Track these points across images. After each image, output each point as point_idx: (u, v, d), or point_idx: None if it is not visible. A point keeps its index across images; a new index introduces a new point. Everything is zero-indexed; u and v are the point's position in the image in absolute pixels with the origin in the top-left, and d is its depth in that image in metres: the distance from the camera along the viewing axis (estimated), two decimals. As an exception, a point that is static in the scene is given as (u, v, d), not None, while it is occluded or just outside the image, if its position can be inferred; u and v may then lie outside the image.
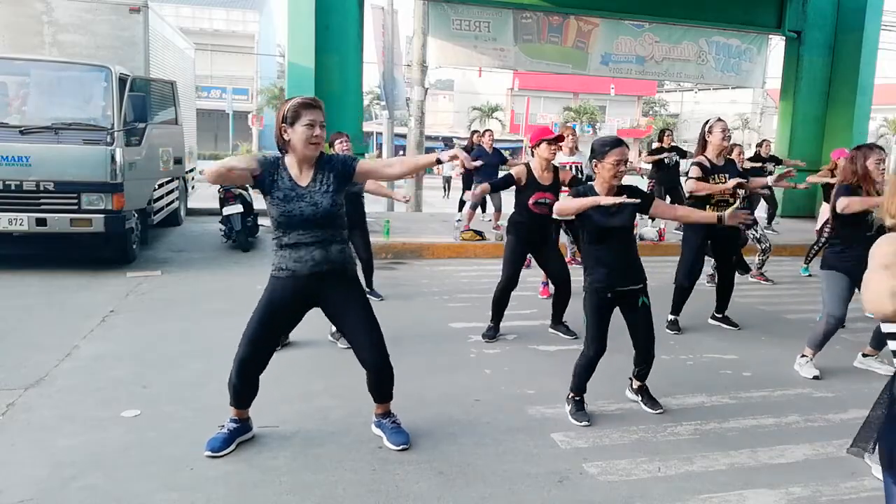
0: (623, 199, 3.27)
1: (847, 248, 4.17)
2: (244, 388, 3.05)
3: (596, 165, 3.43)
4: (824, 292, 4.33)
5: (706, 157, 5.12)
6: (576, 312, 5.32)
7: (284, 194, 2.86)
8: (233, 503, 2.64)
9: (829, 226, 7.26)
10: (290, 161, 2.92)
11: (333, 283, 2.98)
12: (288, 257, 2.92)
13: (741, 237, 6.63)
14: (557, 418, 3.52)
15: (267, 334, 3.01)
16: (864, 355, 4.60)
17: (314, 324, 3.98)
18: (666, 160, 9.63)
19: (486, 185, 4.97)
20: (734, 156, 7.40)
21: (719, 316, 5.53)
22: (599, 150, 3.40)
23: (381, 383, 3.13)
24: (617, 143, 3.40)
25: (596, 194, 3.41)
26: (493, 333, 4.90)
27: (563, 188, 5.52)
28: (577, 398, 3.55)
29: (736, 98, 37.66)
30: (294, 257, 2.91)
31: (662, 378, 4.11)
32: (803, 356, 4.43)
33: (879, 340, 4.49)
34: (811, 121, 12.76)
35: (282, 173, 2.89)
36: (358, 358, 3.08)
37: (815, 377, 4.29)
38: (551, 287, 5.31)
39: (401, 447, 3.08)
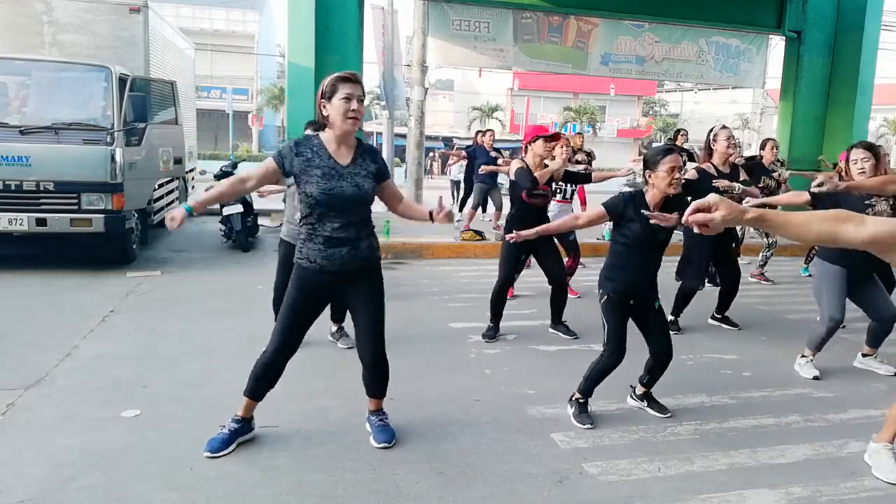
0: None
1: None
2: (269, 375, 3.04)
3: (650, 176, 3.34)
4: (821, 293, 4.27)
5: (712, 164, 5.14)
6: (576, 314, 5.36)
7: (324, 172, 2.82)
8: (233, 503, 2.64)
9: None
10: (327, 138, 2.89)
11: (358, 276, 3.01)
12: (318, 252, 2.91)
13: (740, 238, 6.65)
14: (557, 418, 3.52)
15: (299, 322, 3.02)
16: (864, 355, 4.59)
17: (314, 324, 3.96)
18: None
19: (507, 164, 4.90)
20: (767, 151, 7.26)
21: (719, 316, 5.53)
22: (651, 160, 3.32)
23: (373, 378, 3.16)
24: (669, 150, 3.31)
25: (645, 202, 3.34)
26: (493, 333, 4.91)
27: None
28: (583, 401, 3.54)
29: (736, 98, 37.61)
30: (325, 254, 2.91)
31: (662, 378, 4.10)
32: (803, 356, 4.42)
33: (875, 337, 4.47)
34: (811, 121, 12.74)
35: (317, 150, 2.86)
36: (359, 350, 3.11)
37: (815, 377, 4.28)
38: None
39: (381, 445, 3.09)
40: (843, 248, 4.10)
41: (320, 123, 2.90)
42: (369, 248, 3.02)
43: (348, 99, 2.78)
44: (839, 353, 4.79)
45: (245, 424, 3.11)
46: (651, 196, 3.36)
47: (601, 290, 3.46)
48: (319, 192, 2.82)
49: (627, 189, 3.72)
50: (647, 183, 3.39)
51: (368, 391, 3.21)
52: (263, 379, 3.05)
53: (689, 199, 3.32)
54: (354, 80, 2.82)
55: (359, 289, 3.03)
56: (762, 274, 7.44)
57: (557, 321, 5.12)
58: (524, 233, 3.59)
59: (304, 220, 2.94)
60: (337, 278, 2.97)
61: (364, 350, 3.08)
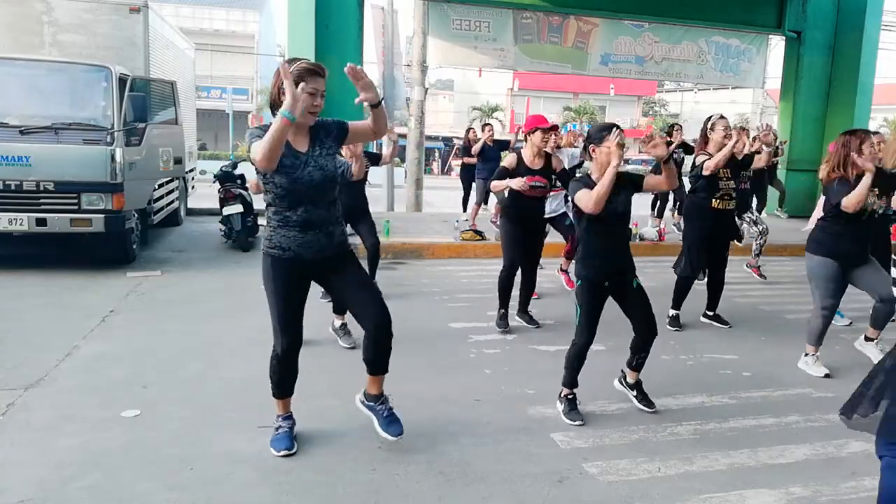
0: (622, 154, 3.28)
1: (844, 227, 4.13)
2: (289, 373, 3.05)
3: (593, 150, 3.43)
4: (813, 282, 4.31)
5: (708, 152, 5.22)
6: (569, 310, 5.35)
7: (291, 162, 2.79)
8: (233, 503, 2.64)
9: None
10: None
11: (333, 263, 2.98)
12: (292, 239, 2.86)
13: (738, 232, 6.61)
14: (557, 418, 3.52)
15: (293, 314, 2.98)
16: (867, 338, 4.61)
17: (314, 323, 4.00)
18: (675, 156, 9.54)
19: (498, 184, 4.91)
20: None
21: (710, 314, 5.55)
22: (597, 136, 3.42)
23: (378, 350, 2.97)
24: (613, 126, 3.41)
25: (593, 182, 3.39)
26: (504, 323, 5.05)
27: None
28: (570, 396, 3.56)
29: (736, 98, 37.59)
30: (300, 241, 2.86)
31: (662, 378, 4.11)
32: (806, 354, 4.43)
33: (878, 319, 4.47)
34: (811, 121, 12.75)
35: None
36: (361, 319, 2.98)
37: (826, 375, 4.29)
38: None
39: (397, 437, 3.03)
40: (831, 240, 4.14)
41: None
42: (342, 234, 3.02)
43: (313, 94, 2.74)
44: (839, 352, 4.79)
45: (293, 418, 3.14)
46: (597, 175, 3.42)
47: (576, 278, 3.54)
48: (289, 182, 2.78)
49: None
50: (590, 158, 3.48)
51: (372, 367, 3.02)
52: (285, 377, 3.06)
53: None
54: (321, 73, 2.79)
55: (341, 271, 2.99)
56: (758, 267, 7.38)
57: (522, 309, 5.27)
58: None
59: (274, 208, 2.87)
60: (312, 265, 2.93)
61: (372, 313, 2.93)
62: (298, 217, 2.85)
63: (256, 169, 2.79)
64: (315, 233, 2.88)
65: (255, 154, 2.66)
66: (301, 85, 2.62)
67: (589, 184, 3.39)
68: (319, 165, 2.84)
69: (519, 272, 5.14)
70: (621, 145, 3.34)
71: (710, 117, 5.34)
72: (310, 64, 2.79)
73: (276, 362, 3.02)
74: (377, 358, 3.01)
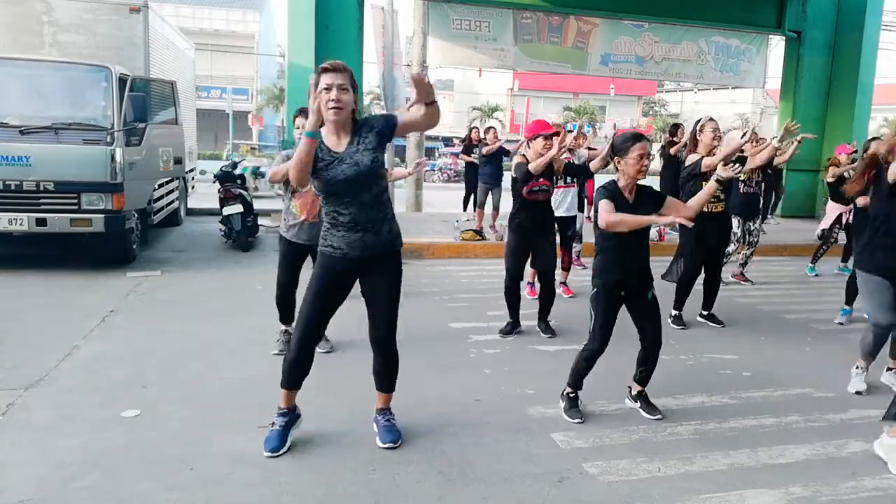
0: (672, 219, 3.26)
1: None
2: (303, 362, 3.06)
3: (619, 162, 3.44)
4: (865, 298, 3.91)
5: (699, 153, 5.23)
6: (571, 313, 5.36)
7: (326, 163, 2.86)
8: (233, 503, 2.64)
9: (839, 226, 7.23)
10: (325, 131, 2.90)
11: (379, 262, 3.02)
12: (341, 238, 2.93)
13: (730, 238, 6.61)
14: (557, 418, 3.52)
15: (322, 311, 3.02)
16: (889, 369, 4.21)
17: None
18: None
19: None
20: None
21: (705, 314, 5.55)
22: (621, 146, 3.42)
23: (383, 366, 3.15)
24: (639, 137, 3.40)
25: (621, 192, 3.40)
26: (509, 329, 5.02)
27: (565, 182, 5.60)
28: (572, 395, 3.57)
29: (736, 98, 37.61)
30: (348, 240, 2.92)
31: (662, 378, 4.10)
32: (857, 367, 4.13)
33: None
34: (811, 121, 12.74)
35: (321, 146, 2.88)
36: (370, 337, 3.12)
37: (857, 392, 4.04)
38: (537, 287, 5.34)
39: (386, 445, 3.09)
40: (886, 255, 3.69)
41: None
42: (390, 233, 3.02)
43: (328, 89, 2.78)
44: (838, 352, 4.78)
45: (291, 414, 3.13)
46: (623, 183, 3.43)
47: (592, 285, 3.52)
48: (324, 183, 2.87)
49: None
50: (616, 169, 3.48)
51: (377, 384, 3.20)
52: (293, 365, 3.07)
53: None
54: (334, 69, 2.82)
55: (379, 274, 3.05)
56: (742, 274, 7.35)
57: (541, 318, 5.12)
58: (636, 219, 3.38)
59: (326, 209, 2.99)
60: (359, 264, 2.98)
61: (376, 335, 3.09)
62: (345, 218, 2.91)
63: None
64: (361, 233, 2.92)
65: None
66: (317, 101, 2.71)
67: (614, 191, 3.39)
68: (354, 161, 2.87)
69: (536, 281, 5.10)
70: (645, 155, 3.34)
71: (699, 120, 5.38)
72: (323, 64, 2.85)
73: (289, 353, 3.06)
74: (382, 377, 3.19)
